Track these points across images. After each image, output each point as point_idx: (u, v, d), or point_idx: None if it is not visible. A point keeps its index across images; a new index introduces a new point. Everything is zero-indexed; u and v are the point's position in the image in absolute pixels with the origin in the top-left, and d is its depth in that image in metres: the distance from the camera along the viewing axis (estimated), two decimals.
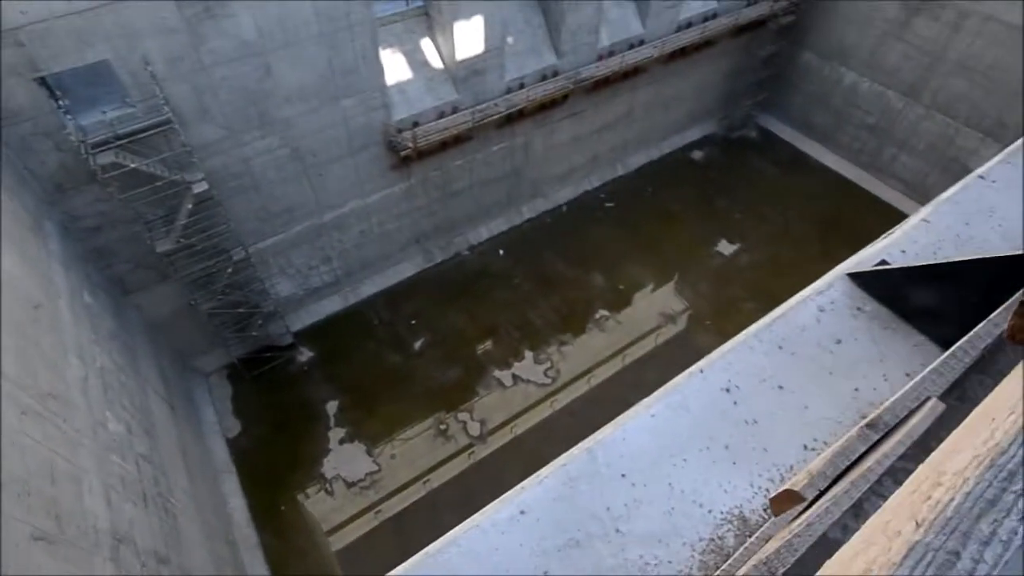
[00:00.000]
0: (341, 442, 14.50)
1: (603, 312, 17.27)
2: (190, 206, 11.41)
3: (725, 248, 18.92)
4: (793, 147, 22.02)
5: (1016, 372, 1.28)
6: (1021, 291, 1.42)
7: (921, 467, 1.08)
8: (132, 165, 10.33)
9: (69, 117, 9.81)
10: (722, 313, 17.14)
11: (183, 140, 10.95)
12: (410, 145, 14.28)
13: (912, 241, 2.10)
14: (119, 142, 10.27)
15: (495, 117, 15.55)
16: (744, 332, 2.03)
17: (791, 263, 18.09)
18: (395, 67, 14.12)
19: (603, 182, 20.76)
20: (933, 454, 1.11)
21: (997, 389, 1.31)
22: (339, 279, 16.66)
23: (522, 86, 15.94)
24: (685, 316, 17.28)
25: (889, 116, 19.33)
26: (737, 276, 18.10)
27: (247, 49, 11.10)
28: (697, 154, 22.18)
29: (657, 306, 17.50)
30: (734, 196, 20.48)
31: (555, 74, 16.38)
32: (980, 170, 2.46)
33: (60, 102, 9.72)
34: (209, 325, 13.82)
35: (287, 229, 14.48)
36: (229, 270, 12.98)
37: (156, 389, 11.95)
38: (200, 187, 11.32)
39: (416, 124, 14.55)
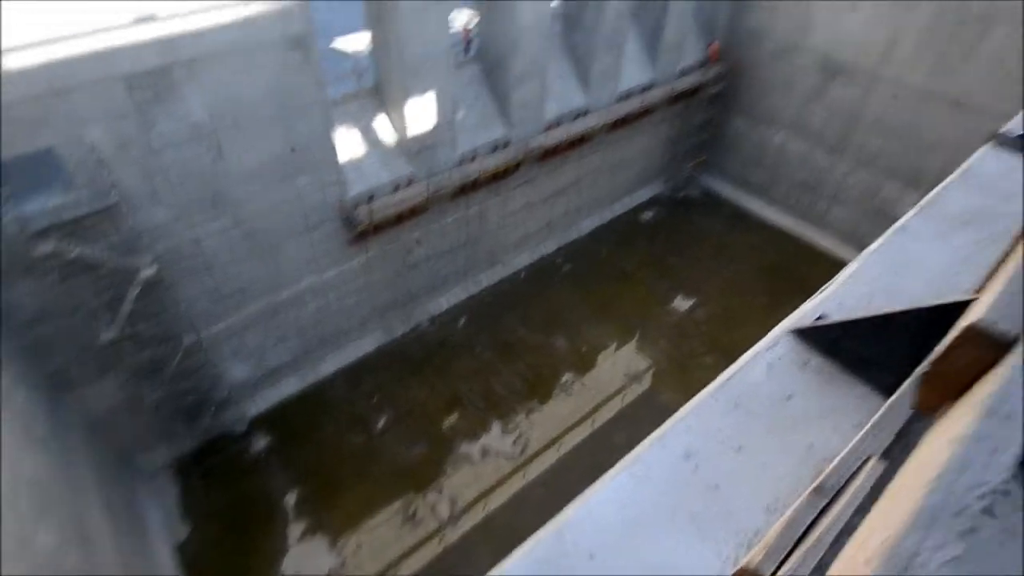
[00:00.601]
0: (302, 536, 13.58)
1: (568, 376, 17.19)
2: (137, 291, 11.03)
3: (681, 304, 19.37)
4: (735, 204, 23.19)
5: (919, 451, 1.30)
6: (924, 364, 1.48)
7: (847, 547, 1.06)
8: (75, 253, 9.99)
9: (9, 206, 9.50)
10: (684, 368, 17.32)
11: (131, 224, 10.72)
12: (366, 220, 14.37)
13: (846, 294, 2.19)
14: (62, 229, 9.96)
15: (450, 188, 15.90)
16: (701, 393, 2.03)
17: (744, 314, 18.62)
18: (349, 144, 14.41)
19: (559, 246, 21.23)
20: (858, 531, 1.10)
21: (907, 464, 1.33)
22: (297, 358, 16.16)
23: (474, 157, 16.46)
24: (649, 374, 17.37)
25: (818, 172, 20.71)
26: (695, 330, 18.46)
27: (198, 131, 11.15)
28: (646, 215, 23.07)
29: (621, 366, 17.56)
30: (684, 253, 21.22)
31: (506, 144, 17.00)
32: (899, 223, 2.62)
33: (0, 191, 9.44)
34: (156, 418, 13.06)
35: (241, 310, 14.10)
36: (178, 356, 12.44)
37: (94, 494, 11.05)
38: (148, 271, 11.00)
39: (372, 198, 14.71)
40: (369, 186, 14.66)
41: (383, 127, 15.01)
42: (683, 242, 21.66)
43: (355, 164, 14.51)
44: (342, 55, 22.59)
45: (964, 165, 2.94)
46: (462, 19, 20.92)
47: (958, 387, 1.43)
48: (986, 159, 3.00)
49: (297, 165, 12.96)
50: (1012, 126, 3.15)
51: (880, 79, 18.03)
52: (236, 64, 10.97)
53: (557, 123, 17.99)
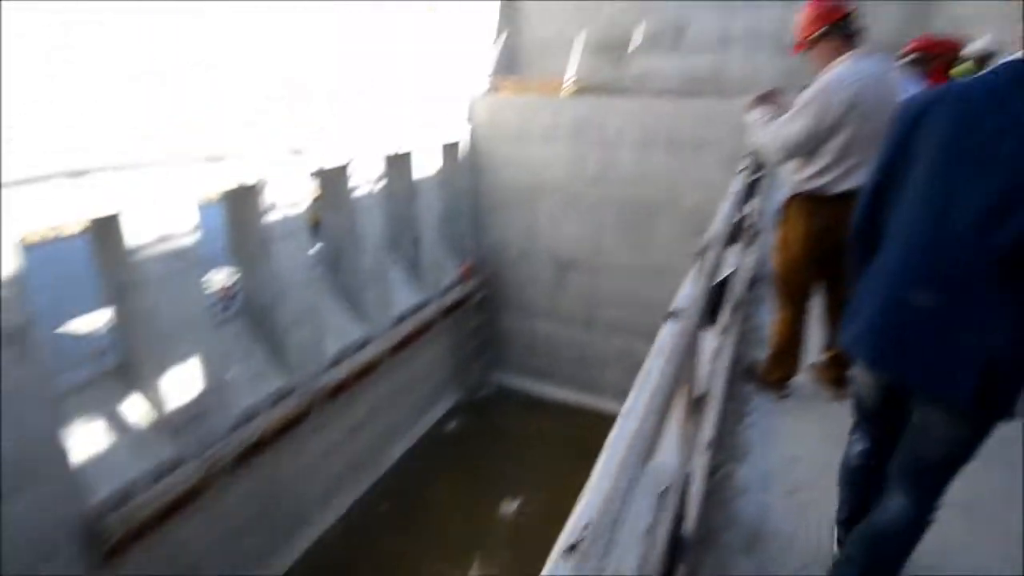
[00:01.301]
0: None
1: None
2: None
3: (508, 508, 18.87)
4: (527, 393, 24.72)
5: None
6: None
7: None
8: None
9: None
10: None
11: None
12: (120, 529, 11.62)
13: (592, 498, 2.29)
14: None
15: (229, 457, 14.01)
16: None
17: (567, 499, 18.66)
18: (90, 438, 12.10)
19: (372, 483, 19.62)
20: None
21: None
22: None
23: (255, 415, 15.07)
24: None
25: (582, 346, 23.60)
26: (529, 532, 17.84)
27: None
28: (451, 426, 23.09)
29: None
30: (496, 454, 21.32)
31: (289, 392, 16.05)
32: (625, 405, 2.98)
33: None
34: None
35: None
36: None
37: None
38: None
39: (126, 499, 12.12)
40: (122, 484, 12.12)
41: (135, 408, 13.12)
42: (492, 443, 21.86)
43: (99, 461, 12.06)
44: (76, 338, 20.06)
45: (657, 341, 3.61)
46: (220, 278, 20.70)
47: None
48: (666, 331, 3.70)
49: (13, 483, 10.29)
50: (675, 305, 4.01)
51: (600, 264, 22.20)
52: None
53: (339, 359, 17.83)
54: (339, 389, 17.48)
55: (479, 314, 23.88)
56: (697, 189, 19.72)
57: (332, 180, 17.78)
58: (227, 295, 17.22)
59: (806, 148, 3.31)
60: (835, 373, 3.95)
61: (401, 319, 20.43)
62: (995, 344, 1.78)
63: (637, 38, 24.39)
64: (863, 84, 3.22)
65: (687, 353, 2.25)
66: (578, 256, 22.47)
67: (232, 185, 13.87)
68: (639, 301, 21.82)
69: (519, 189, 23.04)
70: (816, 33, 3.31)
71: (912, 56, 5.87)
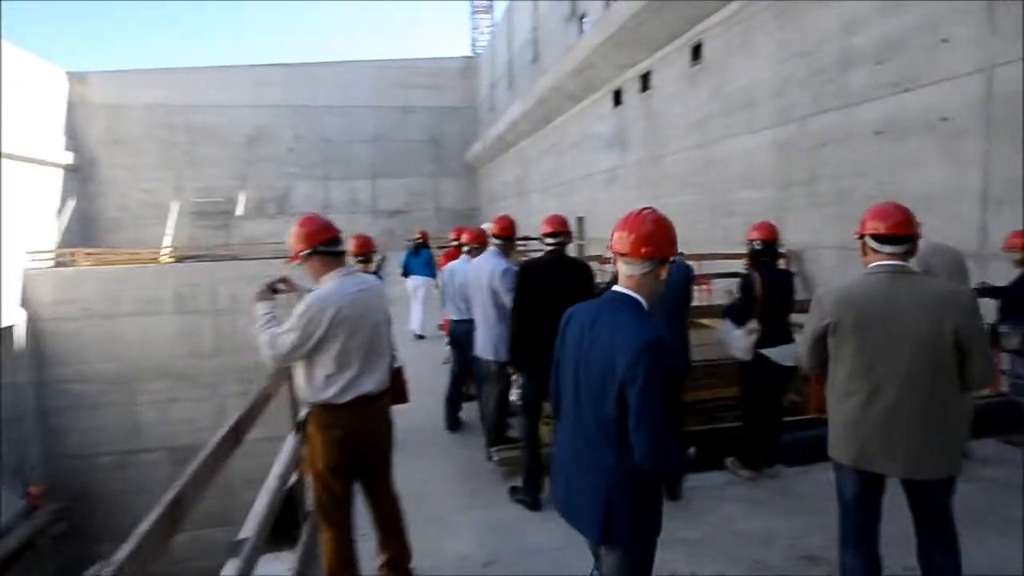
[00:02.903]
0: None
1: None
2: None
3: None
4: None
5: None
6: None
7: None
8: None
9: None
10: None
11: None
12: None
13: None
14: None
15: None
16: None
17: None
18: None
19: None
20: None
21: None
22: None
23: None
24: None
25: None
26: None
27: None
28: None
29: None
30: None
31: None
32: None
33: None
34: None
35: None
36: None
37: None
38: None
39: None
40: None
41: None
42: None
43: None
44: None
45: None
46: None
47: None
48: None
49: None
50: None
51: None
52: None
53: None
54: None
55: (59, 554, 17.72)
56: None
57: None
58: None
59: (297, 357, 3.39)
60: None
61: None
62: (611, 488, 2.36)
63: (240, 205, 24.28)
64: (345, 301, 3.42)
65: None
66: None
67: None
68: None
69: (111, 377, 18.95)
70: (303, 252, 3.48)
71: (462, 245, 7.07)
